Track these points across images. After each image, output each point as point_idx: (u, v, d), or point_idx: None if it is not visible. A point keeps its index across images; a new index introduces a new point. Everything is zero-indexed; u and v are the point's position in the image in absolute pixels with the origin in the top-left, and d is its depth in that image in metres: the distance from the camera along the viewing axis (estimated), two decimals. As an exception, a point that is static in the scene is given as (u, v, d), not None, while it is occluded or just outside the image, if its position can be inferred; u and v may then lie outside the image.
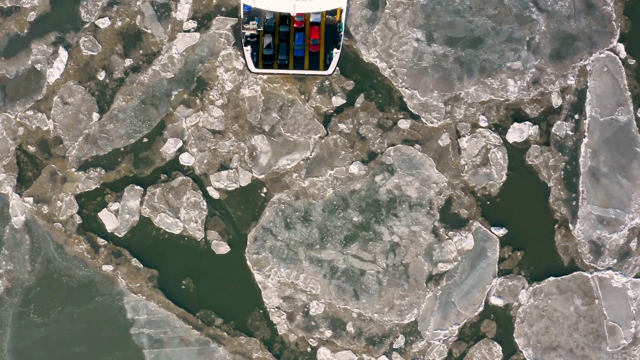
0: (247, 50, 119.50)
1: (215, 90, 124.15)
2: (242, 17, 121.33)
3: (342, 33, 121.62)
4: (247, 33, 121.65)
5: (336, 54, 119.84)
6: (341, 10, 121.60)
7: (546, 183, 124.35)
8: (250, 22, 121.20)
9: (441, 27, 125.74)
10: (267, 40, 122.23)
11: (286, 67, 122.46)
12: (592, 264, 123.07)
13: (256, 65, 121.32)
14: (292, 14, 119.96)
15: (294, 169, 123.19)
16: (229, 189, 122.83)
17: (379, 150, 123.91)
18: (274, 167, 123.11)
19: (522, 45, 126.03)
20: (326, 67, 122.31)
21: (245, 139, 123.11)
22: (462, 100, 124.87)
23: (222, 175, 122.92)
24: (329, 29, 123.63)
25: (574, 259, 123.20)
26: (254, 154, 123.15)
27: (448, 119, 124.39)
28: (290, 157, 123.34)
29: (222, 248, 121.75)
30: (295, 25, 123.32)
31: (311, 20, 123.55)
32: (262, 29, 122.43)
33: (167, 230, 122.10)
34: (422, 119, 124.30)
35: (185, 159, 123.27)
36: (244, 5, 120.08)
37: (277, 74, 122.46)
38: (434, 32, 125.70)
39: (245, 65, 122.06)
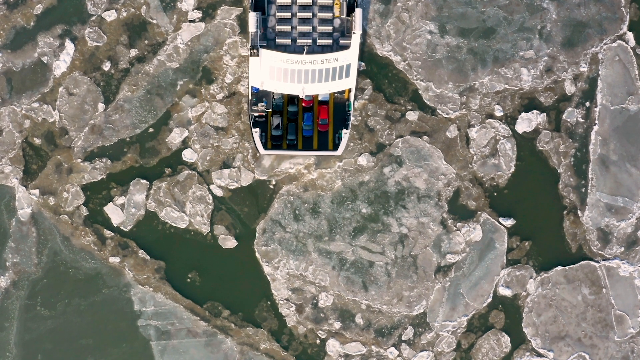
0: (256, 132, 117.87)
1: (216, 84, 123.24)
2: (250, 98, 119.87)
3: (351, 112, 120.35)
4: (256, 114, 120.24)
5: (345, 134, 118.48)
6: (350, 89, 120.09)
7: (555, 171, 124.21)
8: (259, 104, 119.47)
9: (453, 19, 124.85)
10: (276, 120, 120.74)
11: (295, 147, 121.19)
12: (600, 252, 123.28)
13: (265, 147, 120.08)
14: (300, 96, 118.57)
15: (303, 162, 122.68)
16: (230, 187, 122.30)
17: (387, 142, 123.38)
18: (276, 170, 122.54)
19: (534, 34, 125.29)
20: (335, 147, 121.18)
21: (249, 139, 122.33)
22: (477, 90, 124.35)
23: (224, 173, 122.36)
24: (338, 107, 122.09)
25: (582, 246, 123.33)
26: (258, 155, 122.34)
27: (464, 110, 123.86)
28: (293, 160, 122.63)
29: (229, 242, 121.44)
30: (303, 104, 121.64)
31: (319, 99, 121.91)
32: (270, 110, 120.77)
33: (173, 224, 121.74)
34: (438, 110, 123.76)
35: (188, 155, 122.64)
36: (252, 87, 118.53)
37: (286, 154, 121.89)
38: (447, 23, 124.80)
39: (255, 147, 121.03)
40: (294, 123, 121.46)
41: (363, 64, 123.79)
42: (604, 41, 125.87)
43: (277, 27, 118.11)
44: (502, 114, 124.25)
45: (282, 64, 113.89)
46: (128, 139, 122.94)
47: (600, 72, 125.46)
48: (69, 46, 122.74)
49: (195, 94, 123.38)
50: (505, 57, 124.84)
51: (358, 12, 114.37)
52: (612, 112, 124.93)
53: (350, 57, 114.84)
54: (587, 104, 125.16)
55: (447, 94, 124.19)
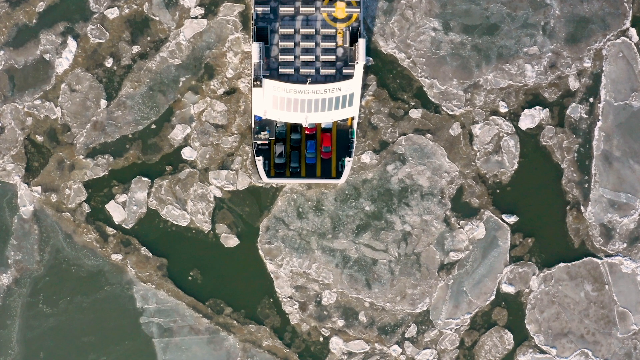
0: (259, 160, 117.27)
1: (217, 80, 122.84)
2: (253, 126, 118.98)
3: (354, 140, 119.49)
4: (259, 142, 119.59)
5: (348, 162, 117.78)
6: (353, 117, 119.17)
7: (558, 166, 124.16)
8: (262, 133, 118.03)
9: (457, 16, 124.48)
10: (279, 149, 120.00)
11: (298, 174, 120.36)
12: (603, 248, 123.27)
13: (268, 175, 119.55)
14: (304, 125, 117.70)
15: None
16: (225, 189, 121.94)
17: (390, 140, 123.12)
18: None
19: (538, 30, 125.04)
20: (338, 175, 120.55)
21: (249, 142, 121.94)
22: (482, 87, 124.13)
23: (222, 174, 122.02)
24: (341, 135, 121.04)
25: (585, 241, 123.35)
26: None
27: (468, 107, 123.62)
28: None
29: (231, 241, 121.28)
30: (306, 132, 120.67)
31: (322, 126, 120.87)
32: (273, 138, 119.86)
33: (175, 222, 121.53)
34: (443, 107, 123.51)
35: (187, 154, 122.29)
36: (255, 115, 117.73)
37: (289, 182, 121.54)
38: (450, 20, 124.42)
39: (258, 175, 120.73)
40: (297, 151, 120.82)
41: (371, 59, 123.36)
42: (608, 37, 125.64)
43: (280, 56, 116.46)
44: (506, 110, 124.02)
45: (285, 94, 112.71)
46: (130, 136, 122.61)
47: (604, 68, 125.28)
48: (71, 43, 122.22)
49: (198, 90, 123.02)
50: (509, 54, 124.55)
51: (361, 42, 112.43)
52: (615, 108, 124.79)
53: (353, 86, 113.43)
54: (591, 99, 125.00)
55: (452, 90, 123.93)
